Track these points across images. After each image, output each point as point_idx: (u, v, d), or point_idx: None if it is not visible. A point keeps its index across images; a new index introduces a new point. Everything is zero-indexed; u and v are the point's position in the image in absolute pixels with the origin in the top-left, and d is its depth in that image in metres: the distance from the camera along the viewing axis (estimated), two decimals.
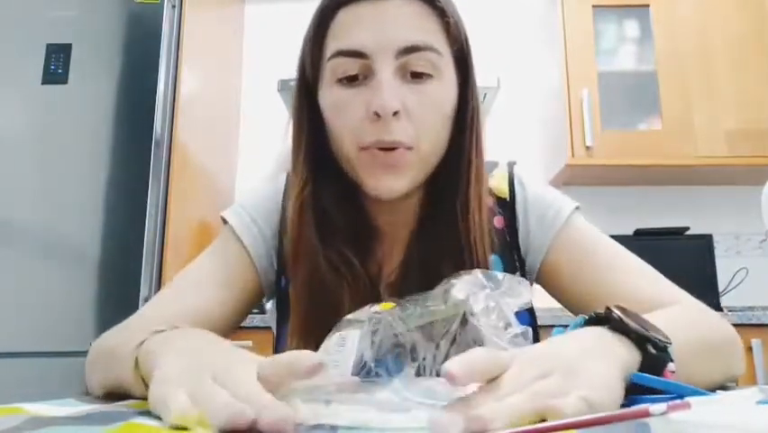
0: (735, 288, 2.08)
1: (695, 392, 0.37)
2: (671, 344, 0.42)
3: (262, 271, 0.73)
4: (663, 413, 0.29)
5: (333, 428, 0.32)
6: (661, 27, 2.13)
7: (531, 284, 0.72)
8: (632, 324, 0.41)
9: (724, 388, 0.53)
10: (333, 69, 0.63)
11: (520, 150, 2.25)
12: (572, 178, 2.19)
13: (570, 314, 0.71)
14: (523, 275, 0.71)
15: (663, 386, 0.38)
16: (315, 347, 0.47)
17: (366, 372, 0.44)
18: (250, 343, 1.62)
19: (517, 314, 0.46)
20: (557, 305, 0.74)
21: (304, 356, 0.35)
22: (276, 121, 2.31)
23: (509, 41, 2.44)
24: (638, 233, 2.09)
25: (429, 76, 0.62)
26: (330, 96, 0.64)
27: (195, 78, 1.89)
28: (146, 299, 1.56)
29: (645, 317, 0.44)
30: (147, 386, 0.39)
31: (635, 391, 0.38)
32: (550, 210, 0.71)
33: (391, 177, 0.62)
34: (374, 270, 0.68)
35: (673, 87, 2.08)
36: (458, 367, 0.32)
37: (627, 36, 2.19)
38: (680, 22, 2.13)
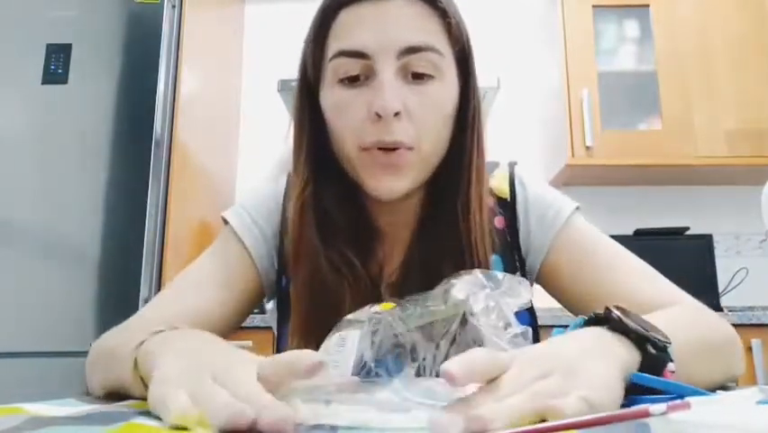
0: (735, 288, 2.07)
1: (695, 392, 0.37)
2: (670, 344, 0.42)
3: (263, 272, 0.73)
4: (663, 413, 0.29)
5: (333, 428, 0.32)
6: (661, 27, 2.13)
7: (531, 284, 0.72)
8: (632, 324, 0.41)
9: (724, 388, 0.53)
10: (334, 69, 0.63)
11: (520, 150, 2.25)
12: (572, 178, 2.19)
13: (570, 314, 0.71)
14: (523, 275, 0.71)
15: (663, 386, 0.38)
16: (316, 347, 0.47)
17: (366, 372, 0.44)
18: (250, 343, 1.62)
19: (517, 314, 0.46)
20: (557, 305, 0.74)
21: (304, 356, 0.35)
22: (276, 121, 2.31)
23: (509, 41, 2.44)
24: (638, 233, 2.09)
25: (430, 76, 0.62)
26: (331, 97, 0.64)
27: (195, 78, 1.89)
28: (146, 300, 1.56)
29: (645, 317, 0.44)
30: (146, 387, 0.39)
31: (635, 391, 0.38)
32: (550, 210, 0.71)
33: (392, 177, 0.62)
34: (375, 270, 0.68)
35: (673, 87, 2.08)
36: (458, 367, 0.32)
37: (627, 36, 2.19)
38: (680, 22, 2.13)
